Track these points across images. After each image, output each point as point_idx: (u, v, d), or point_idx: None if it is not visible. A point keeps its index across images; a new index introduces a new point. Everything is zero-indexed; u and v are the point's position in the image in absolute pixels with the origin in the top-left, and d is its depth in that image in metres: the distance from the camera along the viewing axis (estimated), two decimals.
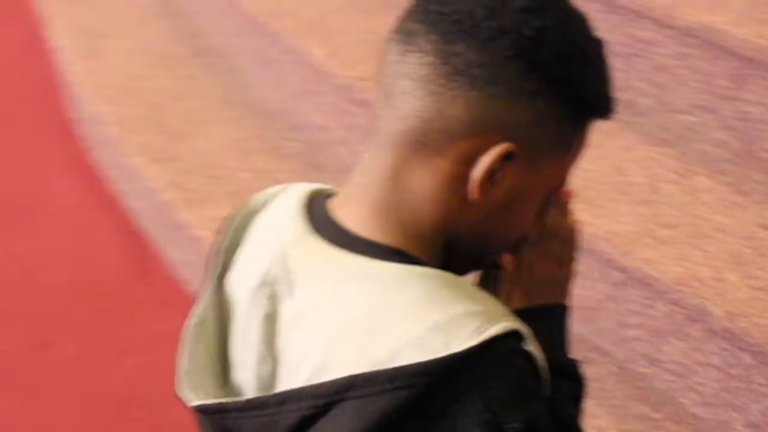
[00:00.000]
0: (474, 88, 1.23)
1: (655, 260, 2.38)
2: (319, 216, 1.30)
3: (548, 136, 1.28)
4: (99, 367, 2.92)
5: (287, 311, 1.28)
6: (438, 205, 1.28)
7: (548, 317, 1.41)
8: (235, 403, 1.26)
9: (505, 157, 1.23)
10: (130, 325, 3.10)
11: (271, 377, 1.29)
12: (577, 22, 1.31)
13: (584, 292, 2.54)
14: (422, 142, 1.25)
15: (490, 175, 1.24)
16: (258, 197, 1.40)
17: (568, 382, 1.41)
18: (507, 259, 1.40)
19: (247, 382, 1.31)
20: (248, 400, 1.26)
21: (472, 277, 1.38)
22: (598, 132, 2.63)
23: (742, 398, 2.28)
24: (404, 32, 1.26)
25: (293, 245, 1.29)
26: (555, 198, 1.37)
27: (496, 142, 1.23)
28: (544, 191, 1.32)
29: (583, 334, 2.57)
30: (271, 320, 1.29)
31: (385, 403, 1.17)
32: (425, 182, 1.27)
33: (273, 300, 1.29)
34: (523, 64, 1.23)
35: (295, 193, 1.36)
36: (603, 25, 2.76)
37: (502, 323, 1.20)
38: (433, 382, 1.17)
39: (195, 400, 1.28)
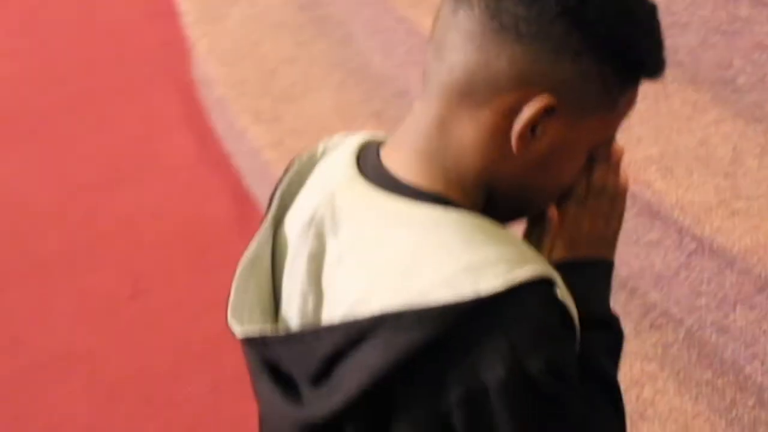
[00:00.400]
0: (520, 43, 1.26)
1: (726, 229, 2.38)
2: (369, 162, 1.35)
3: (592, 93, 1.29)
4: (192, 316, 3.02)
5: (332, 250, 1.33)
6: (481, 155, 1.32)
7: (590, 270, 1.43)
8: (275, 335, 1.33)
9: (547, 112, 1.26)
10: (226, 279, 3.20)
11: (314, 312, 1.34)
12: None
13: (659, 260, 2.56)
14: (468, 94, 1.29)
15: (531, 128, 1.27)
16: (319, 146, 1.45)
17: (605, 334, 1.44)
18: (553, 212, 1.43)
19: (292, 317, 1.36)
20: (288, 334, 1.32)
21: (520, 227, 1.41)
22: (688, 105, 2.66)
23: None
24: None
25: (341, 188, 1.34)
26: (603, 155, 1.39)
27: (537, 96, 1.26)
28: (587, 148, 1.34)
29: (657, 301, 2.58)
30: (316, 258, 1.34)
31: (412, 338, 1.22)
32: (470, 132, 1.31)
33: (319, 239, 1.34)
34: (569, 22, 1.25)
35: (352, 141, 1.41)
36: (704, 3, 2.79)
37: (532, 268, 1.23)
38: (459, 322, 1.21)
39: (238, 330, 1.35)
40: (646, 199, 2.54)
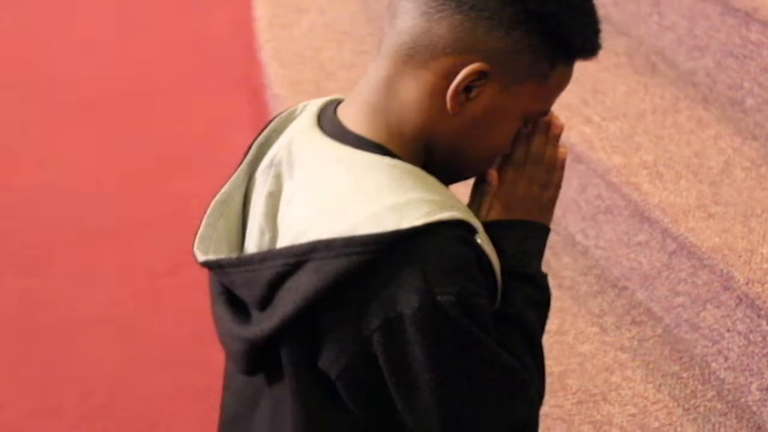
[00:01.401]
0: (459, 12, 1.41)
1: (699, 230, 2.52)
2: (327, 116, 1.51)
3: (523, 64, 1.43)
4: None
5: (287, 190, 1.50)
6: (420, 112, 1.45)
7: (522, 229, 1.56)
8: (228, 259, 1.50)
9: (480, 76, 1.41)
10: None
11: (269, 246, 1.49)
12: None
13: (646, 260, 2.71)
14: (412, 56, 1.43)
15: (466, 90, 1.42)
16: (299, 105, 1.59)
17: (531, 289, 1.55)
18: (493, 175, 1.56)
19: (250, 251, 1.52)
20: (238, 257, 1.49)
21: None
22: (693, 120, 2.80)
23: (757, 363, 2.41)
24: None
25: (298, 136, 1.51)
26: (543, 126, 1.54)
27: (473, 62, 1.40)
28: (519, 115, 1.48)
29: (642, 299, 2.73)
30: (274, 197, 1.51)
31: (339, 265, 1.37)
32: (411, 91, 1.45)
33: (278, 179, 1.51)
34: None
35: (320, 100, 1.57)
36: (721, 26, 2.93)
37: (453, 212, 1.38)
38: (381, 252, 1.35)
39: (201, 257, 1.53)
40: (634, 200, 2.68)
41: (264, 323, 1.45)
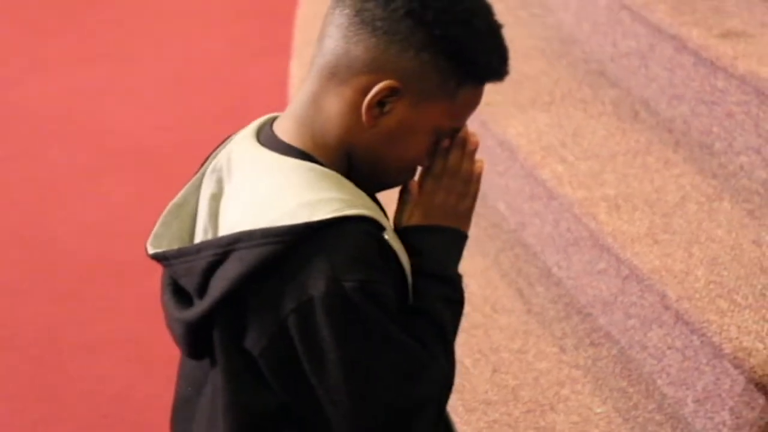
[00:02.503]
0: (374, 35, 1.60)
1: (643, 254, 2.74)
2: (264, 129, 1.74)
3: (432, 83, 1.62)
4: None
5: (226, 191, 1.72)
6: (341, 124, 1.64)
7: (438, 234, 1.75)
8: (171, 251, 1.71)
9: (393, 92, 1.60)
10: None
11: None
12: None
13: (604, 286, 2.92)
14: (334, 74, 1.63)
15: (380, 104, 1.61)
16: (252, 123, 1.78)
17: (444, 287, 1.73)
18: (414, 185, 1.76)
19: None
20: (179, 249, 1.70)
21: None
22: (660, 161, 3.02)
23: (692, 377, 2.60)
24: None
25: (237, 145, 1.74)
26: (459, 141, 1.73)
27: (386, 80, 1.60)
28: (431, 129, 1.67)
29: (601, 324, 2.94)
30: (215, 198, 1.73)
31: (259, 253, 1.57)
32: (333, 105, 1.64)
33: (219, 183, 1.73)
34: (413, 22, 1.59)
35: (264, 116, 1.79)
36: (695, 76, 3.15)
37: (360, 210, 1.58)
38: (293, 242, 1.56)
39: (151, 251, 1.75)
40: (592, 229, 2.91)
41: (198, 307, 1.66)
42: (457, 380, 2.63)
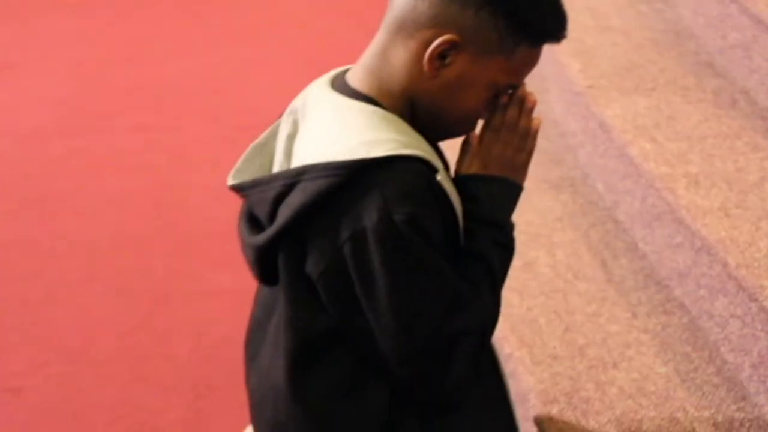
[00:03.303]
0: None
1: (712, 225, 2.84)
2: (338, 76, 1.92)
3: (490, 40, 1.74)
4: None
5: (300, 131, 1.90)
6: (405, 74, 1.78)
7: (493, 183, 1.89)
8: (247, 182, 1.89)
9: (452, 46, 1.74)
10: None
11: None
12: None
13: (681, 260, 3.03)
14: (402, 28, 1.76)
15: (442, 56, 1.74)
16: (329, 72, 1.95)
17: (496, 232, 1.87)
18: (474, 137, 1.92)
19: None
20: (253, 180, 1.88)
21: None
22: (748, 146, 3.12)
23: (750, 343, 2.70)
24: None
25: (312, 90, 1.92)
26: (517, 98, 1.87)
27: (448, 34, 1.73)
28: (489, 83, 1.79)
29: (676, 295, 3.05)
30: (291, 137, 1.91)
31: (320, 184, 1.70)
32: (400, 56, 1.78)
33: (295, 124, 1.91)
34: None
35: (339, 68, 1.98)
36: None
37: (416, 151, 1.71)
38: (351, 176, 1.68)
39: (230, 182, 1.93)
40: (670, 204, 3.02)
41: (267, 233, 1.83)
42: (529, 335, 2.83)
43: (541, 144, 3.65)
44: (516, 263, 3.01)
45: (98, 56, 5.54)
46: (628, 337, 2.91)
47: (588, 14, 4.28)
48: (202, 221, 4.04)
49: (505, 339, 2.89)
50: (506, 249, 1.89)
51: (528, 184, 3.24)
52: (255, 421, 2.08)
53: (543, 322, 2.95)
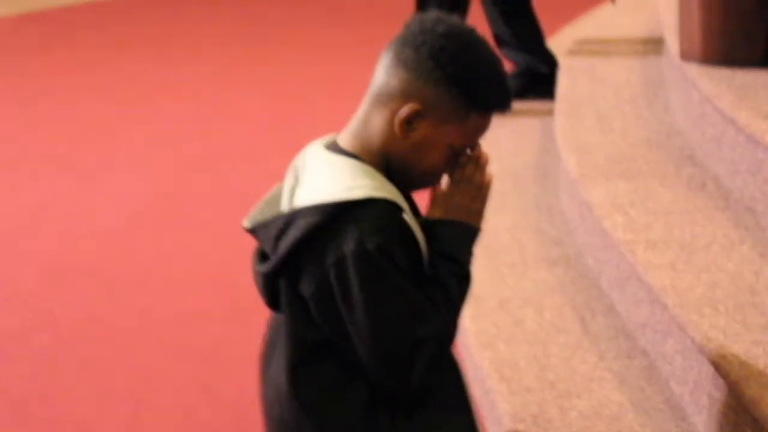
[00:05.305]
0: (406, 71, 2.19)
1: (659, 277, 3.37)
2: (330, 139, 2.32)
3: (447, 109, 2.19)
4: None
5: (300, 182, 2.30)
6: (381, 136, 2.23)
7: (453, 226, 2.30)
8: (257, 224, 2.34)
9: (417, 114, 2.17)
10: None
11: None
12: (476, 45, 2.21)
13: (641, 311, 3.56)
14: (378, 99, 2.23)
15: (407, 122, 2.18)
16: (324, 136, 2.34)
17: (454, 265, 2.27)
18: (439, 188, 2.37)
19: None
20: (260, 222, 2.30)
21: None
22: (706, 218, 3.64)
23: (686, 374, 3.21)
24: (390, 43, 2.23)
25: (310, 150, 2.34)
26: (473, 157, 2.32)
27: (412, 104, 2.19)
28: (448, 144, 2.22)
29: (640, 343, 3.57)
30: (293, 189, 2.32)
31: (310, 222, 2.17)
32: (377, 122, 2.23)
33: (296, 177, 2.34)
34: (433, 63, 2.18)
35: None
36: (745, 152, 3.79)
37: (386, 195, 2.19)
38: (335, 214, 2.15)
39: (244, 225, 2.41)
40: (631, 263, 3.57)
41: (270, 262, 2.32)
42: (508, 373, 3.39)
43: (546, 228, 4.30)
44: (507, 320, 3.64)
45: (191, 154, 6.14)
46: (593, 375, 3.44)
47: (594, 119, 4.88)
48: None
49: (488, 375, 3.44)
50: (463, 279, 2.33)
51: (529, 260, 3.85)
52: (265, 423, 2.53)
53: (522, 364, 3.50)
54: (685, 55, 4.55)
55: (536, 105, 5.83)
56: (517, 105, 5.76)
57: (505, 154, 5.26)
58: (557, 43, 6.39)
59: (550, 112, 5.33)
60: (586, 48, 6.07)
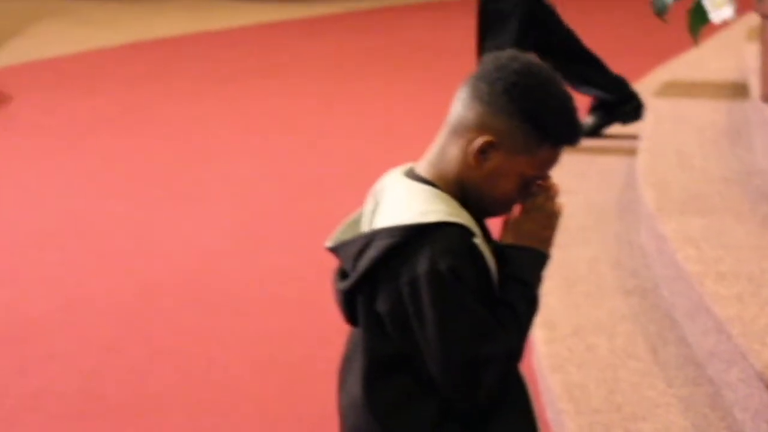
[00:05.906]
0: (481, 105, 2.27)
1: (725, 308, 3.51)
2: (410, 167, 2.39)
3: (519, 141, 2.27)
4: None
5: (379, 207, 2.38)
6: (456, 165, 2.31)
7: (525, 251, 2.37)
8: (338, 244, 2.39)
9: (491, 145, 2.26)
10: None
11: None
12: (548, 81, 2.29)
13: (710, 340, 3.68)
14: (455, 131, 2.31)
15: (481, 152, 2.26)
16: (404, 165, 2.42)
17: (524, 288, 2.35)
18: (511, 215, 2.40)
19: None
20: (341, 242, 2.38)
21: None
22: None
23: (748, 401, 3.33)
24: (467, 79, 2.31)
25: (390, 176, 2.41)
26: (544, 187, 2.43)
27: (486, 136, 2.27)
28: (519, 174, 2.29)
29: (708, 372, 3.70)
30: (373, 213, 2.39)
31: (387, 242, 2.26)
32: (453, 152, 2.31)
33: (376, 202, 2.39)
34: (507, 98, 2.26)
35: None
36: None
37: (458, 219, 2.24)
38: (410, 236, 2.24)
39: (327, 244, 2.53)
40: (699, 294, 3.70)
41: (349, 280, 2.37)
42: (578, 394, 3.53)
43: (624, 261, 4.44)
44: (580, 345, 3.79)
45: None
46: (660, 400, 3.57)
47: (675, 156, 5.01)
48: None
49: (558, 397, 3.59)
50: (531, 302, 2.43)
51: (605, 290, 3.99)
52: (341, 430, 2.64)
53: (592, 387, 3.64)
54: (766, 97, 4.66)
55: (625, 143, 5.94)
56: (605, 143, 6.14)
57: (592, 189, 5.37)
58: (646, 85, 6.53)
59: (636, 152, 5.45)
60: (673, 90, 6.20)
